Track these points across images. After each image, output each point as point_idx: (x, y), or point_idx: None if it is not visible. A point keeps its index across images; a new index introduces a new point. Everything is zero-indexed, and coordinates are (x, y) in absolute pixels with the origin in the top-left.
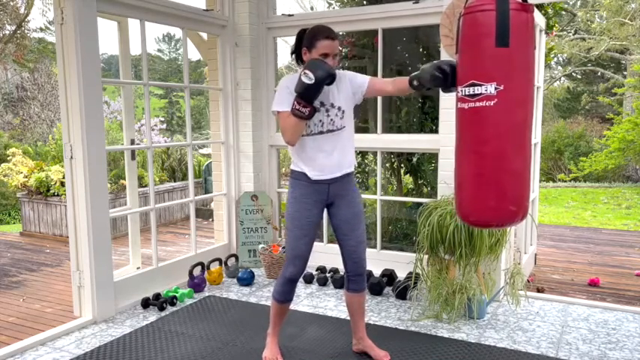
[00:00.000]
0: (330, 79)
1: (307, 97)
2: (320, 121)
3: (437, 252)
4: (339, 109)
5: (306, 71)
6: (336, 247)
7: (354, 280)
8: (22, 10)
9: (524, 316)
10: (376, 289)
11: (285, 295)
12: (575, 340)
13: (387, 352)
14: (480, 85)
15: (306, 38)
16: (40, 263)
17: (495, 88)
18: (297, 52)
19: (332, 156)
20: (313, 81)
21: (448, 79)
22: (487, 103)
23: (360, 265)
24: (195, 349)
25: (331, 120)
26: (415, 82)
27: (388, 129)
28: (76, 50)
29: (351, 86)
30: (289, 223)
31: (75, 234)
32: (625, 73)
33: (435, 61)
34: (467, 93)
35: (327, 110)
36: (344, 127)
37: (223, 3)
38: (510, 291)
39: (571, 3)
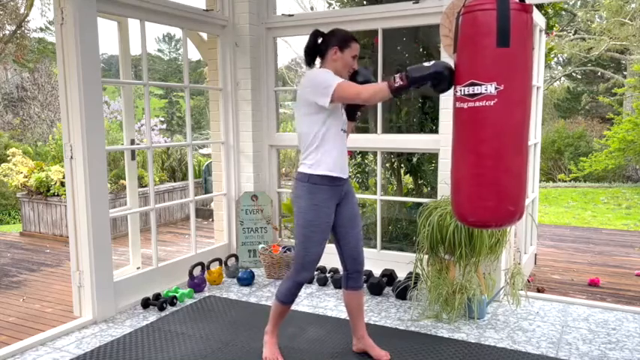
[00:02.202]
0: (444, 82)
1: (415, 76)
2: (339, 119)
3: (437, 252)
4: (343, 109)
5: (431, 61)
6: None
7: (352, 277)
8: (22, 10)
9: (524, 316)
10: (376, 289)
11: (291, 297)
12: (575, 340)
13: (387, 351)
14: (480, 85)
15: (339, 38)
16: (40, 263)
17: (495, 88)
18: (312, 50)
19: (345, 154)
20: (431, 70)
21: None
22: (487, 103)
23: (360, 261)
24: (195, 349)
25: (344, 121)
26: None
27: (388, 129)
28: (76, 50)
29: None
30: (308, 229)
31: (75, 234)
32: (625, 73)
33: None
34: (466, 93)
35: (341, 110)
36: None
37: (223, 3)
38: (510, 291)
39: (571, 3)
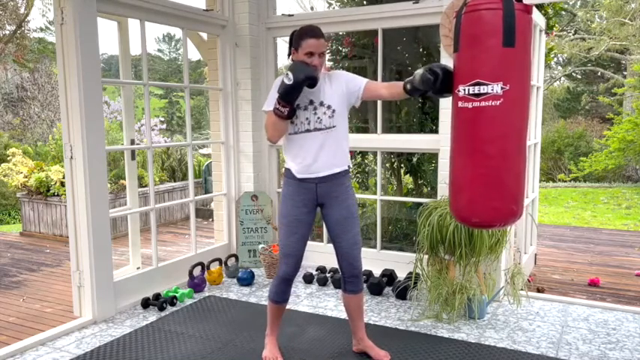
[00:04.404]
0: (310, 81)
1: (286, 97)
2: (307, 119)
3: (437, 252)
4: (329, 107)
5: (288, 72)
6: None
7: (350, 281)
8: (22, 10)
9: (524, 316)
10: (376, 289)
11: (280, 295)
12: (575, 340)
13: (387, 352)
14: (486, 85)
15: (294, 39)
16: (40, 263)
17: (502, 88)
18: (290, 53)
19: (319, 155)
20: (292, 82)
21: (438, 80)
22: (493, 103)
23: (355, 266)
24: (195, 349)
25: (318, 118)
26: (408, 86)
27: (388, 129)
28: (76, 50)
29: (346, 88)
30: (279, 221)
31: (75, 234)
32: (625, 73)
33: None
34: (471, 92)
35: (315, 108)
36: (334, 126)
37: (223, 3)
38: (511, 291)
39: (571, 3)
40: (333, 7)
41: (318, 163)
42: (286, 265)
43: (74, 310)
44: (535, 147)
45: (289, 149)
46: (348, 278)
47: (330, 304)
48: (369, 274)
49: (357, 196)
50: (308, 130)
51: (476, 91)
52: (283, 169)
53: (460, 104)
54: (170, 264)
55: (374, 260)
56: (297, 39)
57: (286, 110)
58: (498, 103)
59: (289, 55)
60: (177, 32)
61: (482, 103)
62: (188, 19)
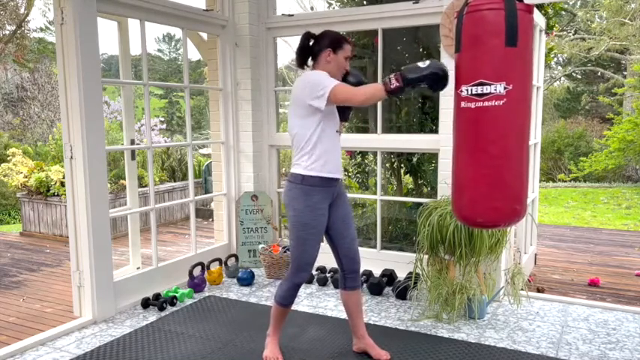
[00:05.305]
0: (440, 83)
1: (411, 77)
2: (335, 122)
3: (437, 252)
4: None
5: (428, 61)
6: None
7: (350, 277)
8: (22, 10)
9: (524, 316)
10: (376, 289)
11: (291, 299)
12: (575, 340)
13: (387, 351)
14: (489, 85)
15: (332, 40)
16: (40, 263)
17: (505, 88)
18: (304, 52)
19: (340, 156)
20: (427, 69)
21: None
22: (496, 103)
23: (356, 260)
24: (195, 349)
25: (338, 121)
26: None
27: (388, 129)
28: (76, 50)
29: None
30: (303, 231)
31: (75, 234)
32: (625, 73)
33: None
34: (474, 92)
35: (336, 113)
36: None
37: (223, 3)
38: (511, 291)
39: (571, 3)
40: (333, 7)
41: (340, 164)
42: (307, 272)
43: (74, 310)
44: (535, 147)
45: (322, 149)
46: (348, 274)
47: (330, 304)
48: (369, 274)
49: (357, 196)
50: (337, 132)
51: (479, 91)
52: (295, 176)
53: (463, 104)
54: (170, 264)
55: (374, 260)
56: (337, 41)
57: (396, 84)
58: (501, 102)
59: (301, 53)
60: (177, 32)
61: (486, 103)
62: (188, 19)
